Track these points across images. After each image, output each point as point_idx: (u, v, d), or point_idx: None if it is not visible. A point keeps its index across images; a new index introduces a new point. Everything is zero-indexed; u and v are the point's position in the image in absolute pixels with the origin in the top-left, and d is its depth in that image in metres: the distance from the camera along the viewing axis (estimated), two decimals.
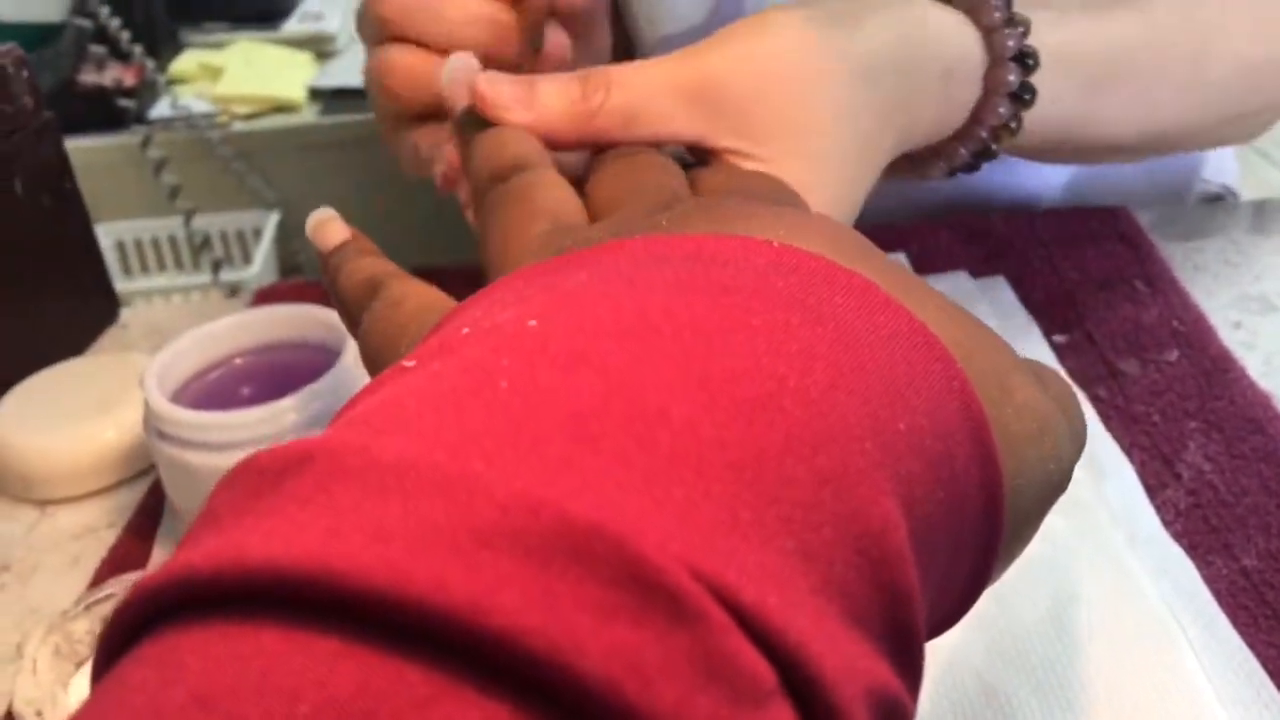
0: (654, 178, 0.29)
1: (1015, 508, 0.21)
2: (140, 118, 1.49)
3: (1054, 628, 0.39)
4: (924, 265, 0.60)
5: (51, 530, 0.50)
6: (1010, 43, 0.37)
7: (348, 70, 1.53)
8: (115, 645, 0.16)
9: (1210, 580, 0.40)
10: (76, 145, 0.64)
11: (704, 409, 0.16)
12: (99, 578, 0.46)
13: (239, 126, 1.50)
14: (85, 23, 1.46)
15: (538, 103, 0.32)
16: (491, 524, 0.14)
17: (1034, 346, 0.53)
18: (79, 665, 0.39)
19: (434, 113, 0.39)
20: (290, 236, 1.54)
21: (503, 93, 0.32)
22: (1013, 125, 0.38)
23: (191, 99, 1.52)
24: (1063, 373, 0.50)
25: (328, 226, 0.33)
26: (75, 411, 0.52)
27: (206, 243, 1.47)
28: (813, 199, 0.32)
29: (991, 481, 0.20)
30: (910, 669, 0.18)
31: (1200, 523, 0.43)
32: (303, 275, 1.51)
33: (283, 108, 1.52)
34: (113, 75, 1.50)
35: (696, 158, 0.34)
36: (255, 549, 0.14)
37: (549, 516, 0.14)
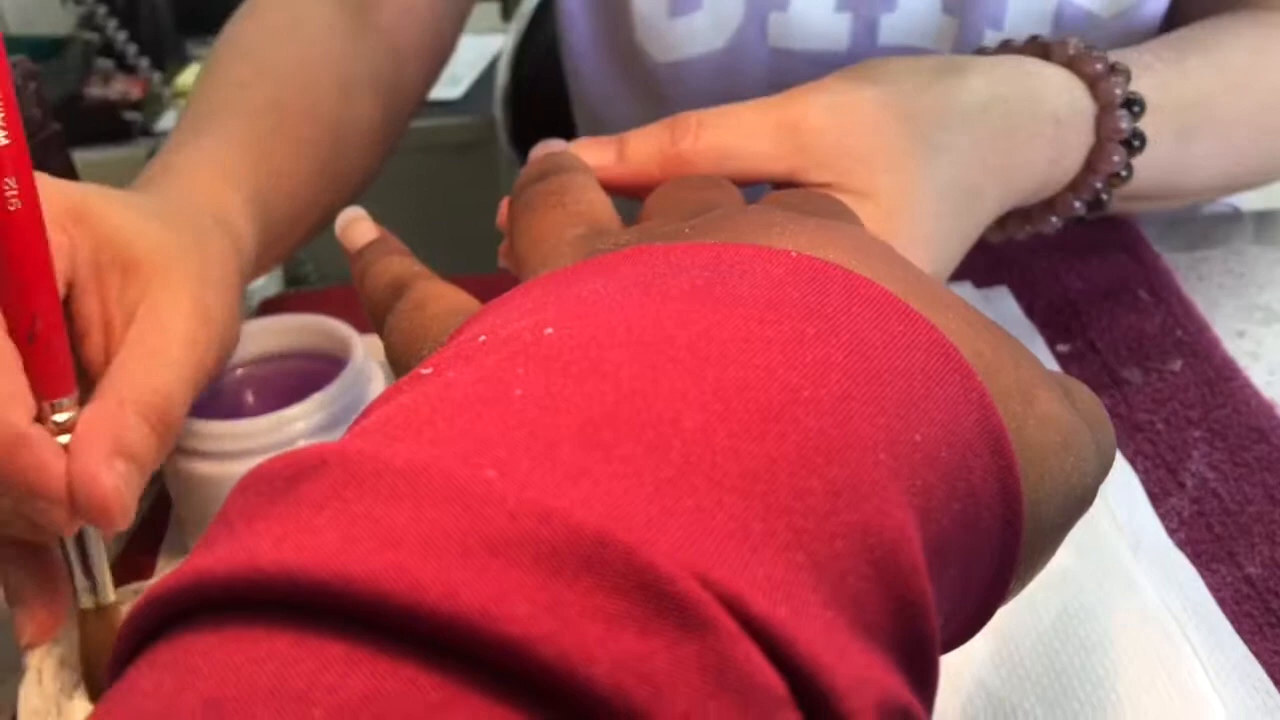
0: (701, 193, 0.30)
1: (1036, 521, 0.21)
2: (146, 130, 1.50)
3: (1059, 636, 0.39)
4: None
5: None
6: (1118, 90, 0.38)
7: None
8: (130, 650, 0.16)
9: (1215, 588, 0.40)
10: (83, 158, 0.64)
11: (717, 419, 0.16)
12: None
13: None
14: (92, 36, 1.47)
15: (628, 154, 0.33)
16: (502, 532, 0.14)
17: (1038, 356, 0.53)
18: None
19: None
20: None
21: (593, 149, 0.33)
22: (1123, 173, 0.39)
23: None
24: None
25: (356, 226, 0.33)
26: None
27: None
28: (902, 233, 0.32)
29: (1010, 494, 0.20)
30: (923, 680, 0.18)
31: (1204, 531, 0.43)
32: (310, 287, 1.51)
33: None
34: (119, 88, 1.50)
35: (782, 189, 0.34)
36: (268, 554, 0.14)
37: (559, 525, 0.14)
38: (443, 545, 0.14)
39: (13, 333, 0.33)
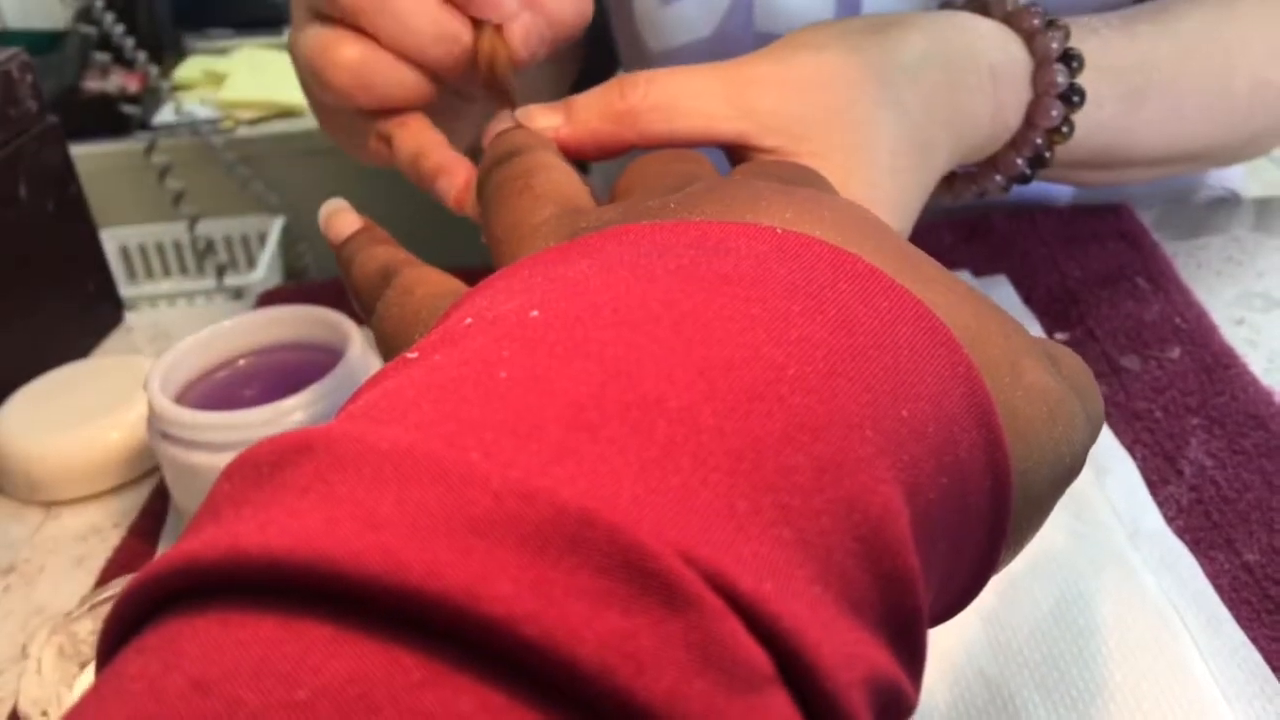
0: (677, 165, 0.29)
1: (1025, 492, 0.21)
2: (144, 124, 1.50)
3: (1057, 624, 0.39)
4: None
5: (56, 531, 0.50)
6: (1054, 45, 0.38)
7: None
8: (117, 636, 0.16)
9: (1212, 575, 0.40)
10: (81, 151, 0.64)
11: (702, 397, 0.16)
12: (104, 578, 0.46)
13: (243, 132, 1.51)
14: (90, 29, 1.47)
15: (574, 114, 0.33)
16: (486, 512, 0.14)
17: None
18: (83, 666, 0.40)
19: (388, 109, 0.38)
20: (295, 241, 1.54)
21: (539, 114, 0.33)
22: (1064, 129, 0.39)
23: (195, 105, 1.52)
24: None
25: (339, 217, 0.33)
26: (80, 413, 0.52)
27: (210, 248, 1.47)
28: (860, 191, 0.32)
29: (998, 466, 0.20)
30: (912, 656, 0.18)
31: (1202, 518, 0.43)
32: (309, 279, 1.51)
33: (286, 113, 1.53)
34: (117, 82, 1.50)
35: (736, 160, 0.34)
36: (253, 538, 0.14)
37: (544, 504, 0.14)
38: (427, 526, 0.14)
39: None
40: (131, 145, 1.46)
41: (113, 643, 0.16)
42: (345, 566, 0.14)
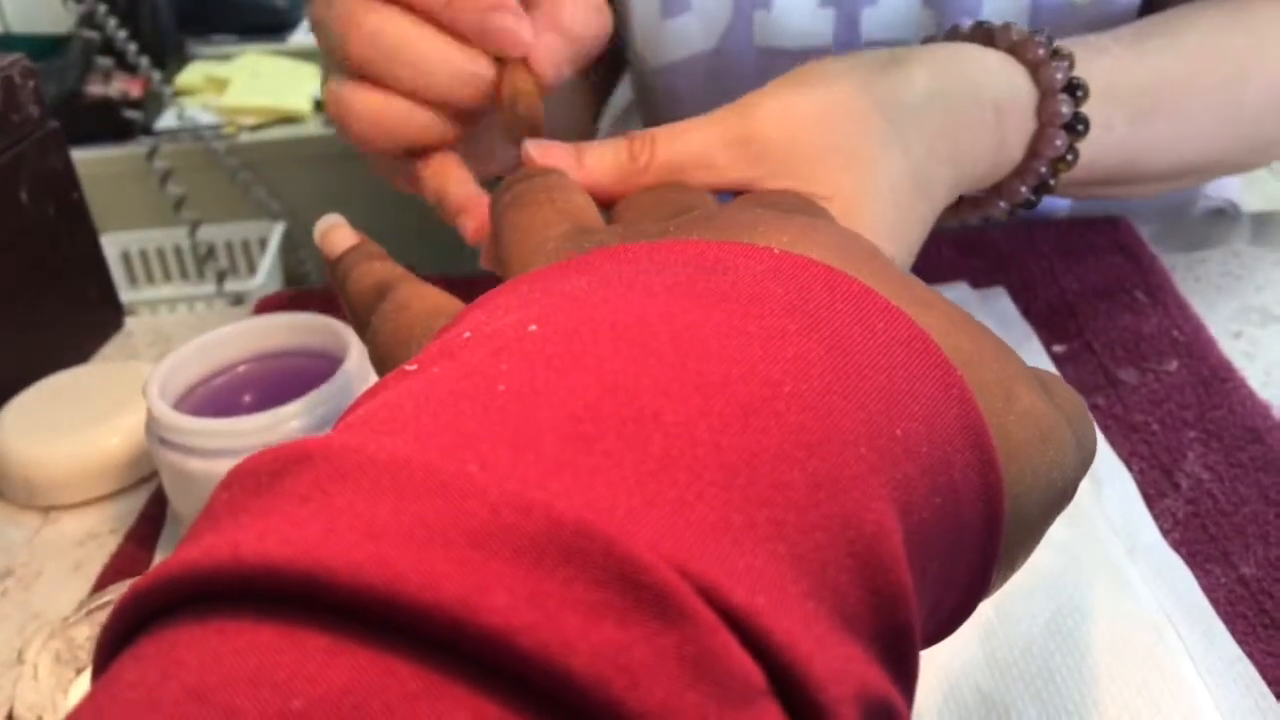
0: (674, 195, 0.30)
1: (1017, 515, 0.21)
2: (146, 129, 1.50)
3: (1053, 637, 0.39)
4: (925, 276, 0.59)
5: (54, 536, 0.50)
6: (1058, 75, 0.38)
7: None
8: (114, 643, 0.16)
9: (1209, 589, 0.40)
10: (83, 156, 0.64)
11: (698, 412, 0.17)
12: (101, 584, 0.46)
13: (245, 138, 1.51)
14: (92, 34, 1.47)
15: (586, 164, 0.33)
16: (483, 524, 0.14)
17: (1034, 357, 0.53)
18: (80, 671, 0.40)
19: (414, 151, 0.39)
20: (295, 247, 1.54)
21: (551, 155, 0.33)
22: (1069, 157, 0.39)
23: (197, 110, 1.53)
24: None
25: (335, 233, 0.33)
26: (79, 418, 0.52)
27: (211, 253, 1.47)
28: (864, 229, 0.32)
29: (991, 488, 0.20)
30: (904, 673, 0.18)
31: (1199, 531, 0.43)
32: (309, 286, 1.51)
33: (288, 119, 1.53)
34: (119, 87, 1.51)
35: None
36: (250, 546, 0.14)
37: (540, 517, 0.14)
38: (424, 537, 0.14)
39: None
40: (133, 150, 1.46)
41: (110, 650, 0.16)
42: (343, 576, 0.14)
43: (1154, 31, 0.45)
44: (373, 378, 0.47)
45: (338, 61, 0.37)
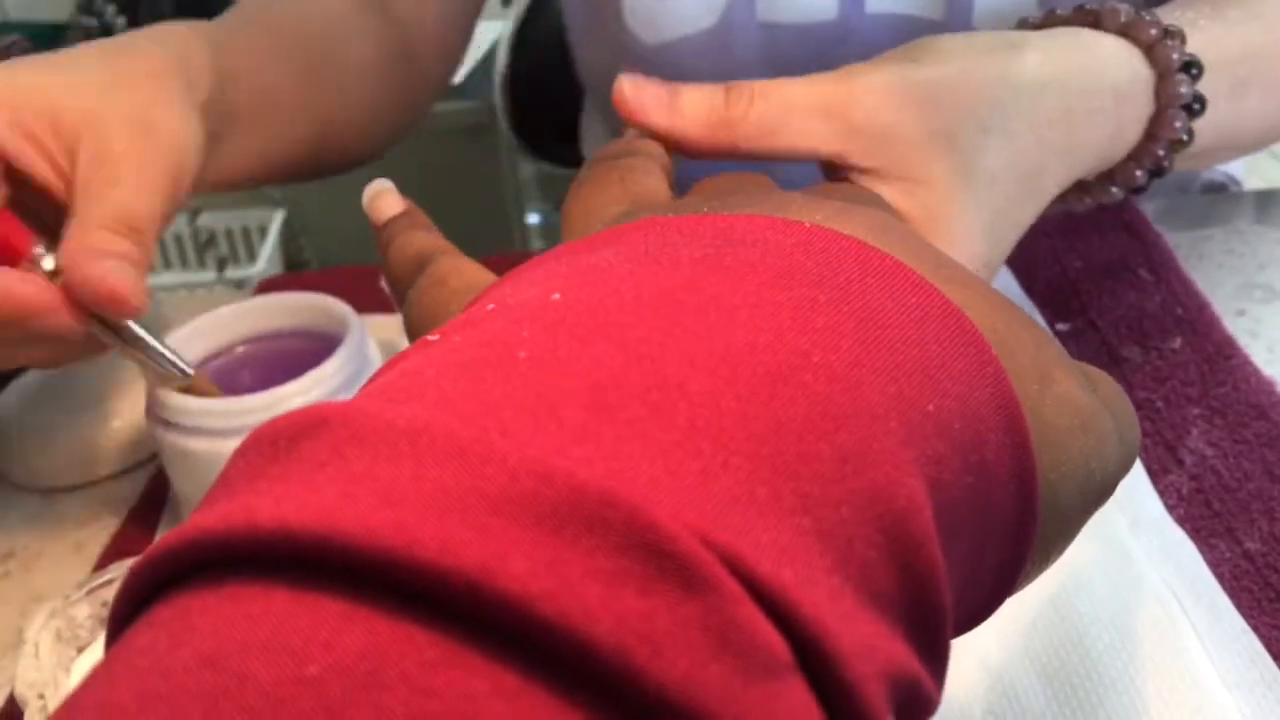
0: (733, 184, 0.29)
1: (1053, 503, 0.21)
2: None
3: (1058, 612, 0.39)
4: None
5: (55, 517, 0.50)
6: (1174, 55, 0.37)
7: None
8: (128, 610, 0.15)
9: (1213, 564, 0.40)
10: None
11: (724, 382, 0.16)
12: (102, 565, 0.46)
13: None
14: (91, 22, 1.46)
15: (679, 107, 0.32)
16: (503, 490, 0.14)
17: None
18: (80, 649, 0.40)
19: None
20: (295, 234, 1.54)
21: (645, 94, 0.32)
22: (1185, 137, 0.38)
23: None
24: None
25: (384, 198, 0.33)
26: (80, 400, 0.52)
27: (211, 240, 1.47)
28: (955, 220, 0.31)
29: (1025, 472, 0.19)
30: (933, 653, 0.18)
31: (1203, 507, 0.42)
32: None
33: None
34: None
35: (831, 174, 0.34)
36: (266, 511, 0.14)
37: (561, 484, 0.14)
38: (443, 503, 0.14)
39: None
40: None
41: (124, 617, 0.15)
42: (359, 541, 0.13)
43: (1231, 2, 0.44)
44: (374, 358, 0.47)
45: None
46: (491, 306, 0.19)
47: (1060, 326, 0.54)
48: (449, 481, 0.14)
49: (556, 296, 0.18)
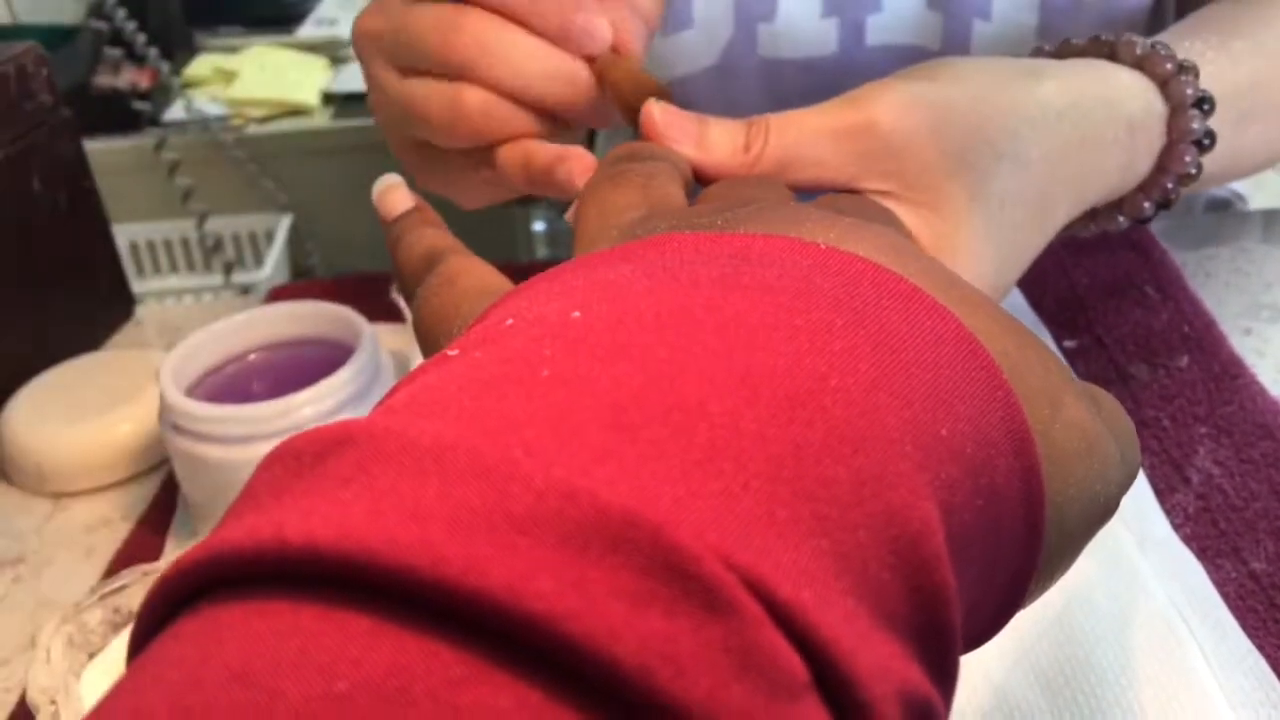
0: (750, 190, 0.29)
1: (1059, 525, 0.21)
2: (155, 120, 1.50)
3: (1064, 630, 0.39)
4: None
5: (66, 523, 0.50)
6: (1188, 91, 0.38)
7: (361, 75, 1.54)
8: (153, 621, 0.16)
9: (1219, 583, 0.40)
10: (91, 147, 0.64)
11: (744, 404, 0.16)
12: (113, 570, 0.46)
13: (253, 130, 1.51)
14: (101, 25, 1.47)
15: (707, 141, 0.33)
16: (528, 510, 0.14)
17: None
18: (92, 655, 0.40)
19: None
20: (302, 239, 1.54)
21: (673, 126, 0.33)
22: (1194, 171, 0.38)
23: (206, 102, 1.53)
24: None
25: (392, 194, 0.33)
26: (90, 405, 0.52)
27: (219, 245, 1.47)
28: (964, 243, 0.32)
29: (1033, 495, 0.20)
30: (943, 674, 0.18)
31: (1209, 526, 0.43)
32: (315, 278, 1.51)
33: (296, 111, 1.53)
34: (128, 78, 1.51)
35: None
36: (294, 527, 0.14)
37: (586, 504, 0.14)
38: (469, 521, 0.14)
39: None
40: (141, 141, 1.46)
41: (148, 629, 0.16)
42: (386, 558, 0.14)
43: (1235, 32, 0.44)
44: (386, 367, 0.47)
45: (411, 65, 0.38)
46: (510, 321, 0.19)
47: (1068, 343, 0.54)
48: (474, 500, 0.14)
49: (577, 314, 0.18)
